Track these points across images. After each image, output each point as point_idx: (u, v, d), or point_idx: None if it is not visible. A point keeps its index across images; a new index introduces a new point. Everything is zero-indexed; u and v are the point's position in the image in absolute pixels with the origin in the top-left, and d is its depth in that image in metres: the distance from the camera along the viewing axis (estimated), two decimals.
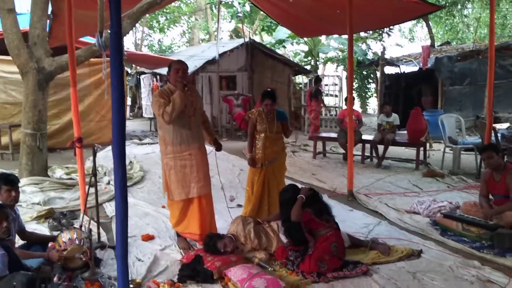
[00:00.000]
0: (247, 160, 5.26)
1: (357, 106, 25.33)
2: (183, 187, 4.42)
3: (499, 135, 7.34)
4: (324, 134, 11.09)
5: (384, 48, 16.91)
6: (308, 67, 19.52)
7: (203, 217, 4.49)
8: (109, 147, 10.16)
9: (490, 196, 5.15)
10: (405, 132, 9.33)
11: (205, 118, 4.79)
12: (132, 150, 11.31)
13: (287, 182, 7.27)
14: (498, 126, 8.68)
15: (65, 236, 3.88)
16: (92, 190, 4.60)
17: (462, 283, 3.72)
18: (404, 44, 29.67)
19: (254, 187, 5.11)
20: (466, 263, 4.11)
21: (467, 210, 5.23)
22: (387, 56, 16.30)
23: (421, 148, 8.90)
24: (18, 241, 4.12)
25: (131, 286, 3.49)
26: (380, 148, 9.07)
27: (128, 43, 28.96)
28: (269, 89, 5.30)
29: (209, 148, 4.68)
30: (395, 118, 9.24)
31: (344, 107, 12.93)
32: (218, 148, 4.84)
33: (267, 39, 23.39)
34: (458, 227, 4.87)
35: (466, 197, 6.27)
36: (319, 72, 21.27)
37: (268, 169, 5.10)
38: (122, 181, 2.19)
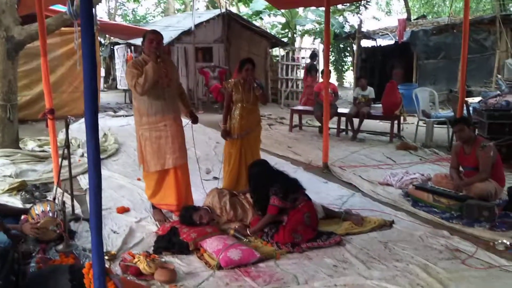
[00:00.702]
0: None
1: (333, 79, 25.39)
2: (158, 158, 4.41)
3: (471, 109, 7.47)
4: (300, 107, 11.11)
5: (361, 21, 16.90)
6: (285, 40, 19.40)
7: (179, 188, 4.50)
8: (83, 119, 9.98)
9: (461, 168, 5.27)
10: (380, 105, 9.41)
11: (181, 90, 4.75)
12: (106, 122, 11.16)
13: (263, 155, 7.33)
14: (470, 100, 8.83)
15: (38, 209, 3.84)
16: (66, 162, 4.55)
17: (431, 252, 3.83)
18: (381, 17, 29.73)
19: (231, 160, 5.10)
20: (436, 233, 4.22)
21: (438, 182, 5.34)
22: (364, 29, 16.30)
23: (395, 122, 9.00)
24: None
25: (106, 257, 3.49)
26: (355, 121, 9.16)
27: (101, 12, 28.22)
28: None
29: (185, 121, 4.66)
30: (370, 91, 9.30)
31: (321, 80, 12.95)
32: (194, 120, 4.81)
33: (244, 10, 23.08)
34: (429, 198, 4.98)
35: (437, 169, 6.40)
36: (296, 45, 21.17)
37: (243, 141, 5.09)
38: (95, 151, 2.15)
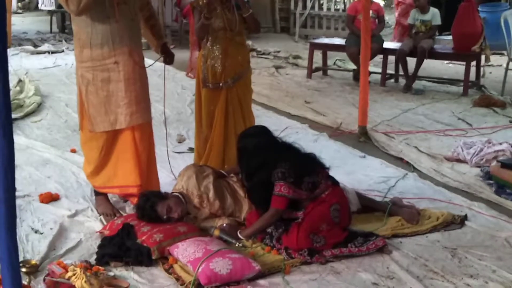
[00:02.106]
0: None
1: None
2: (106, 112, 4.41)
3: None
4: (325, 40, 11.03)
5: None
6: None
7: (140, 159, 4.52)
8: None
9: None
10: (450, 37, 9.33)
11: (150, 12, 4.80)
12: (22, 62, 11.16)
13: (268, 114, 7.31)
14: None
15: None
16: None
17: None
18: None
19: (214, 121, 5.09)
20: None
21: None
22: None
23: (473, 63, 8.97)
24: None
25: (23, 270, 3.50)
26: (411, 62, 9.11)
27: None
28: None
29: (149, 61, 4.68)
30: (434, 15, 9.24)
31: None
32: (168, 58, 4.82)
33: None
34: None
35: None
36: None
37: (230, 92, 5.09)
38: (4, 107, 2.15)
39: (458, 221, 4.45)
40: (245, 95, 5.25)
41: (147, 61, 4.64)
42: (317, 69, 10.35)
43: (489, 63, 10.73)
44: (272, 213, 4.08)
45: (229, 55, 5.01)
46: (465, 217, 4.51)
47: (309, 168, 4.20)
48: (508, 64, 8.94)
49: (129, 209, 4.62)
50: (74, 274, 3.43)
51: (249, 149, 4.26)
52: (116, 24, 4.29)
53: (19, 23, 16.87)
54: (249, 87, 5.32)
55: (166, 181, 4.89)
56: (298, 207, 4.12)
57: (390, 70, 9.66)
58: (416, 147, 6.28)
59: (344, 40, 10.03)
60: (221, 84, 5.05)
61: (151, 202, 4.18)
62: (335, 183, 4.27)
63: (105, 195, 4.71)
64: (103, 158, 4.55)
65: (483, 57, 9.54)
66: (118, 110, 4.40)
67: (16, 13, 19.46)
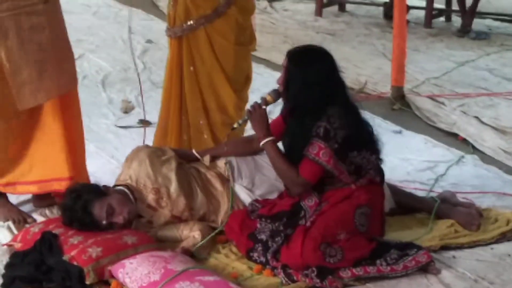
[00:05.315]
0: None
1: None
2: None
3: None
4: None
5: None
6: None
7: (68, 139, 4.42)
8: None
9: None
10: None
11: None
12: None
13: (256, 68, 7.18)
14: None
15: None
16: None
17: None
18: None
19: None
20: None
21: None
22: None
23: None
24: None
25: None
26: None
27: None
28: None
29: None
30: None
31: None
32: None
33: None
34: None
35: None
36: None
37: (195, 42, 4.89)
38: None
39: None
40: (230, 48, 4.96)
41: None
42: (330, 3, 10.32)
43: None
44: (299, 182, 3.92)
45: None
46: None
47: (364, 141, 4.02)
48: None
49: (50, 213, 4.53)
50: None
51: (304, 75, 3.95)
52: None
53: None
54: (228, 37, 4.96)
55: (106, 169, 4.88)
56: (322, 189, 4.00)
57: (439, 4, 9.60)
58: (477, 117, 6.16)
59: None
60: (172, 33, 4.96)
61: (83, 201, 3.99)
62: (382, 179, 4.11)
63: (3, 195, 4.61)
64: (10, 143, 4.53)
65: None
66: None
67: None
